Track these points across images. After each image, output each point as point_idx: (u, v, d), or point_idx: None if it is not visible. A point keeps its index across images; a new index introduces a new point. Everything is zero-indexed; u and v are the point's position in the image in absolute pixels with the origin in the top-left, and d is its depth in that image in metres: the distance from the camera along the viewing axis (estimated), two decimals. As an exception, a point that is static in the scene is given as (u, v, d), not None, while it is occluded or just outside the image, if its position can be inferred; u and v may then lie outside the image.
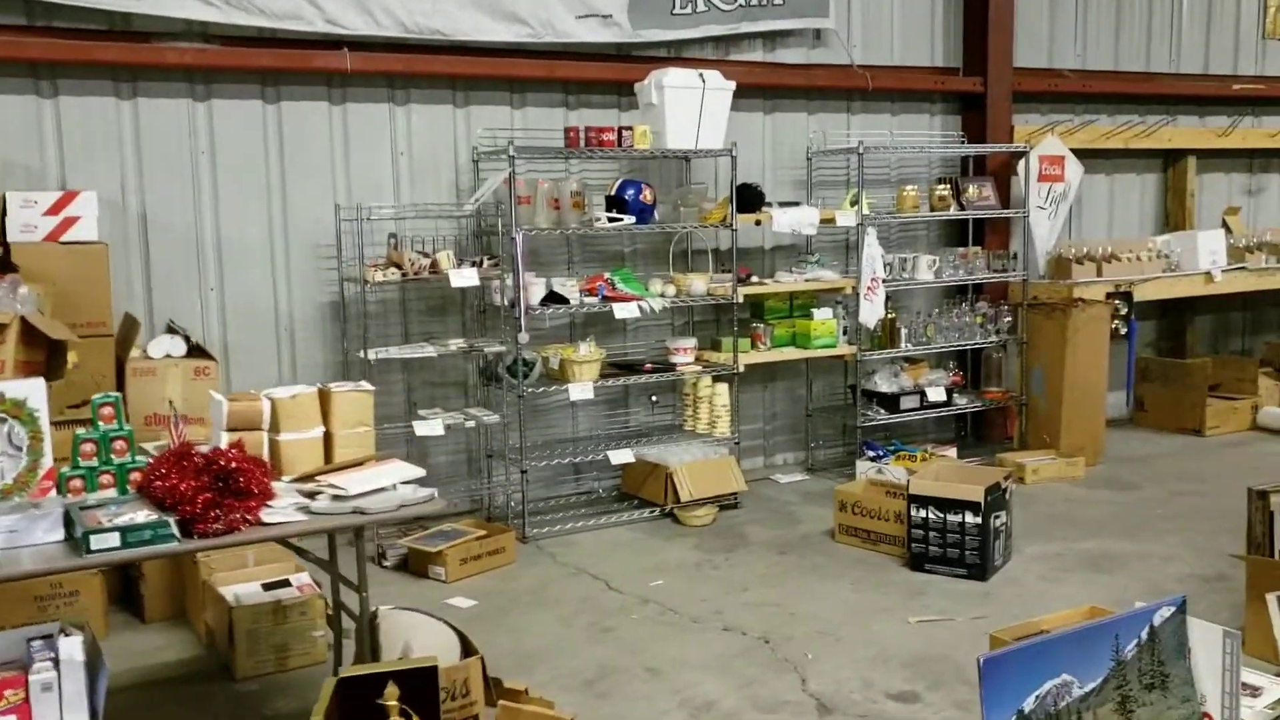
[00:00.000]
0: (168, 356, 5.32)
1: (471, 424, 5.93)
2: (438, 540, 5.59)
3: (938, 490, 5.35)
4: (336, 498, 3.52)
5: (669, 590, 5.24)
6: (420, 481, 3.73)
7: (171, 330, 5.57)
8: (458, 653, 3.93)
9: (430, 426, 5.69)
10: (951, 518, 5.30)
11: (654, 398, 7.05)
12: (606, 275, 6.44)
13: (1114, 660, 3.50)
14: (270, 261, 6.07)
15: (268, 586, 4.63)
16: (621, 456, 6.26)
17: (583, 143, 6.02)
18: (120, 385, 5.23)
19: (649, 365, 6.56)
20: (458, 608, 5.13)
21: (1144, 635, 3.56)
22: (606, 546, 5.95)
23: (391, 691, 3.36)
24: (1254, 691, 3.76)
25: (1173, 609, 3.63)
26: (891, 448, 6.87)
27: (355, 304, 6.16)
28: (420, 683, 3.48)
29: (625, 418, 7.09)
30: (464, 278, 5.65)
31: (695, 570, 5.53)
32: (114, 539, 3.13)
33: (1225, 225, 9.18)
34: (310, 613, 4.52)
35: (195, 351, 5.38)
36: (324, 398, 3.91)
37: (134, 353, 5.33)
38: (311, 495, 3.56)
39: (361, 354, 5.71)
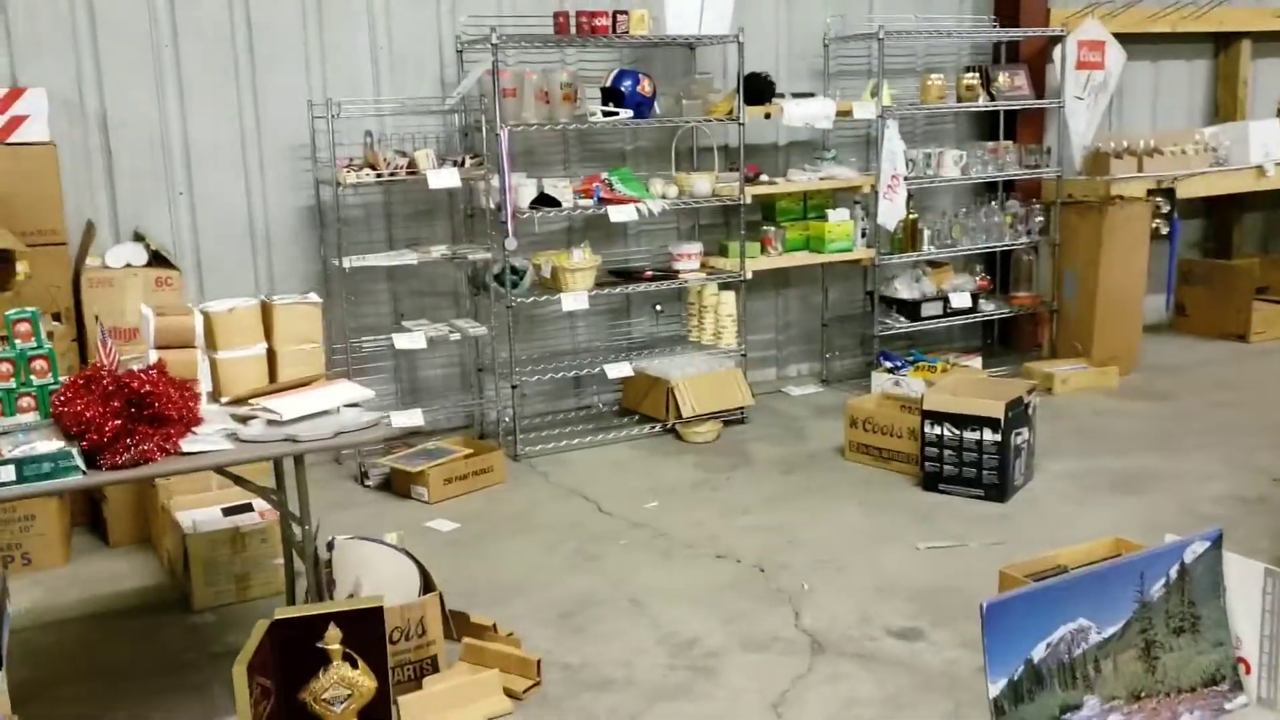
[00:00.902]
0: (128, 266, 4.99)
1: (457, 336, 5.56)
2: (421, 459, 5.27)
3: (954, 405, 4.95)
4: (271, 422, 3.16)
5: (663, 513, 4.91)
6: (370, 404, 3.36)
7: (138, 238, 5.22)
8: (418, 587, 3.60)
9: (411, 339, 5.33)
10: (969, 435, 4.90)
11: (659, 307, 6.65)
12: (604, 175, 6.01)
13: (1138, 602, 3.11)
14: (243, 163, 5.68)
15: (228, 511, 4.33)
16: (619, 370, 5.89)
17: (573, 29, 5.55)
18: (77, 297, 4.91)
19: (649, 272, 6.14)
20: (438, 531, 4.82)
21: (1173, 574, 3.17)
22: (603, 465, 5.61)
23: (333, 634, 3.05)
24: (1294, 632, 3.34)
25: (1207, 544, 3.23)
26: (910, 358, 6.44)
27: (334, 209, 5.78)
28: (367, 624, 3.16)
29: (628, 328, 6.71)
30: (443, 178, 5.24)
31: (693, 491, 5.18)
32: (8, 472, 2.80)
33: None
34: (271, 540, 4.22)
35: (157, 260, 5.03)
36: (266, 311, 3.53)
37: (91, 262, 4.99)
38: (245, 420, 3.21)
39: (337, 262, 5.32)
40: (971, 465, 4.91)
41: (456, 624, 3.73)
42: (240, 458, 3.06)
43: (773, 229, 6.46)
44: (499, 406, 5.91)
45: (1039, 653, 2.94)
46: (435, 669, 3.47)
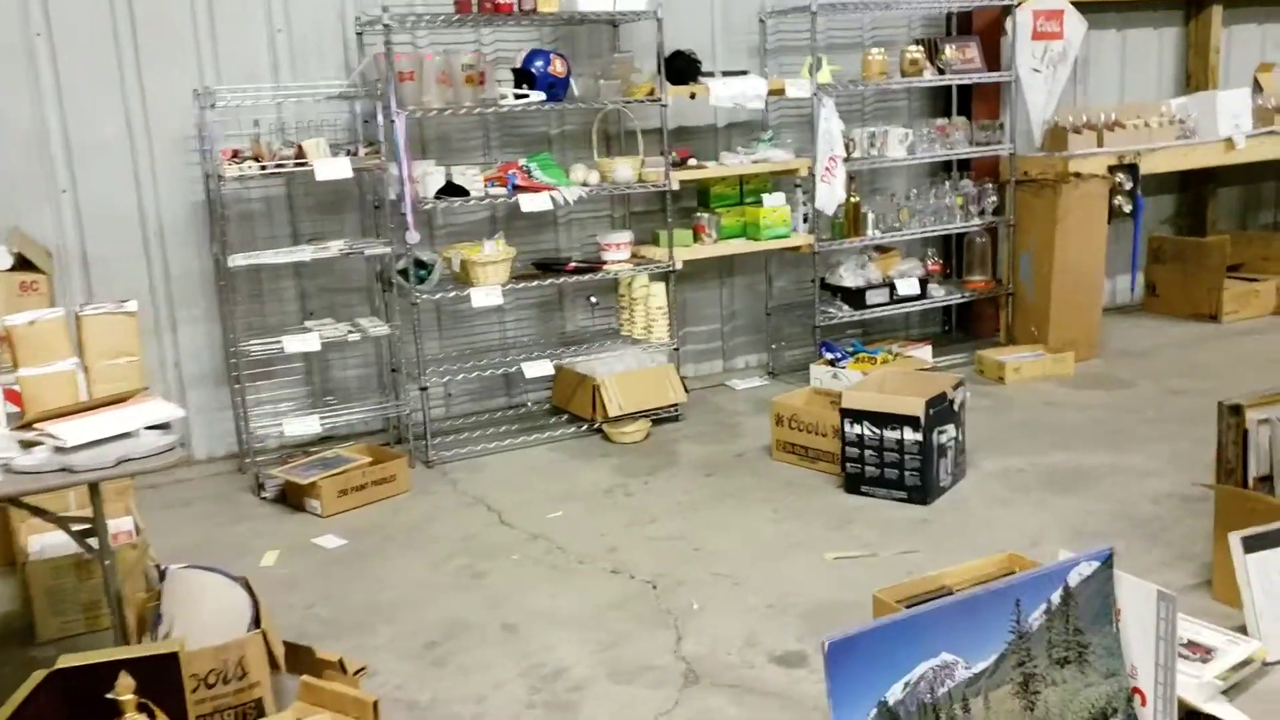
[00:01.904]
0: (-8, 270, 4.69)
1: (357, 336, 5.25)
2: (315, 470, 4.99)
3: (873, 403, 4.62)
4: (58, 449, 2.86)
5: (566, 523, 4.60)
6: (171, 424, 3.05)
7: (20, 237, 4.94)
8: (249, 622, 3.30)
9: (305, 341, 5.02)
10: (889, 434, 4.57)
11: (594, 299, 6.34)
12: (521, 162, 5.68)
13: (1014, 632, 2.79)
14: (131, 158, 5.38)
15: (78, 535, 4.01)
16: (538, 369, 5.57)
17: (475, 7, 5.22)
18: (-62, 305, 4.62)
19: (572, 264, 5.81)
20: (323, 548, 4.54)
21: (1055, 599, 2.85)
22: (519, 470, 5.30)
23: (125, 684, 2.75)
24: (1205, 655, 3.04)
25: (1096, 564, 2.90)
26: (850, 349, 6.10)
27: (231, 203, 5.50)
28: (163, 669, 2.87)
29: (561, 322, 6.39)
30: (333, 169, 4.92)
31: (605, 498, 4.87)
32: None
33: (1257, 84, 8.15)
34: (124, 565, 3.90)
35: (24, 264, 4.73)
36: (77, 323, 3.23)
37: (-45, 267, 4.70)
38: (30, 446, 2.90)
39: (221, 260, 5.03)
40: (893, 466, 4.59)
41: (298, 659, 3.43)
42: (10, 491, 2.75)
43: (706, 215, 6.12)
44: (407, 410, 5.59)
45: (895, 694, 2.63)
46: (261, 713, 3.17)
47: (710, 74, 5.97)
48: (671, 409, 5.88)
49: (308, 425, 5.10)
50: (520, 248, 6.13)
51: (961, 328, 7.33)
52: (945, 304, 6.82)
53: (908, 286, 6.38)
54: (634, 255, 5.98)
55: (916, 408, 4.48)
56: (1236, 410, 3.49)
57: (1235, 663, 3.09)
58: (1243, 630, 3.27)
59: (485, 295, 5.37)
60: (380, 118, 5.19)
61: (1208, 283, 7.38)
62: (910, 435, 4.52)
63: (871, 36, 6.89)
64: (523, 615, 3.82)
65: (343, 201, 5.72)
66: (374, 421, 5.90)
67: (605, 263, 5.83)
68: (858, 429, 4.66)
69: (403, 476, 5.09)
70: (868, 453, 4.65)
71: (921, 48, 6.35)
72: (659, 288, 5.86)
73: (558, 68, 5.45)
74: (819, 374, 5.98)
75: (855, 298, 6.35)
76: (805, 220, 6.28)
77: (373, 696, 3.14)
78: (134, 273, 5.44)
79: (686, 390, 6.03)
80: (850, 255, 6.53)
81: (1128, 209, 6.87)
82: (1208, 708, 2.95)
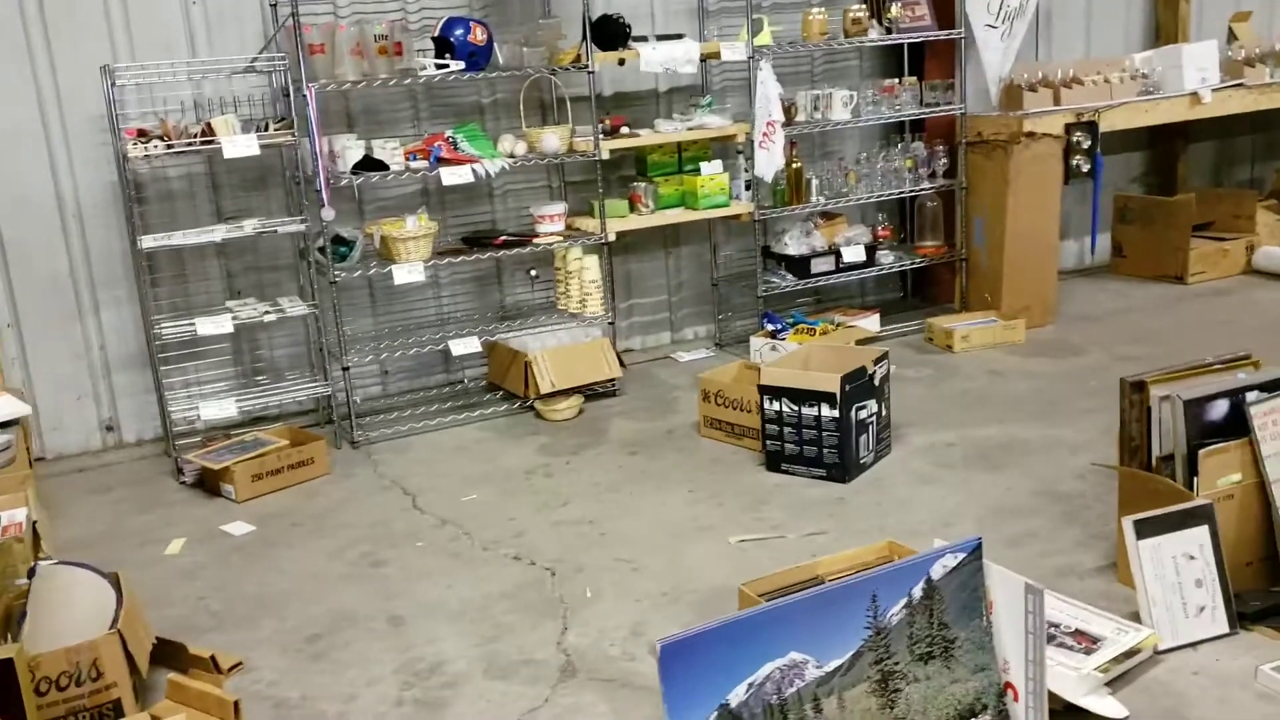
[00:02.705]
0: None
1: (273, 317, 5.14)
2: (230, 454, 4.89)
3: (790, 380, 4.49)
4: (-115, 451, 2.76)
5: (479, 507, 4.50)
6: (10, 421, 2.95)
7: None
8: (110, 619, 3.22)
9: (216, 324, 4.92)
10: (807, 411, 4.44)
11: (534, 272, 6.20)
12: (448, 133, 5.53)
13: (870, 628, 2.68)
14: (44, 138, 5.27)
15: (-42, 530, 3.94)
16: (465, 346, 5.45)
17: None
18: None
19: (502, 238, 5.68)
20: (231, 535, 4.45)
21: (917, 593, 2.73)
22: (444, 451, 5.20)
23: (-47, 691, 2.66)
24: (1092, 644, 2.91)
25: (962, 555, 2.78)
26: (790, 320, 5.95)
27: (151, 182, 5.39)
28: (4, 674, 2.79)
29: (500, 296, 6.26)
30: (240, 146, 4.79)
31: (524, 479, 4.76)
32: None
33: (1231, 34, 7.90)
34: (9, 559, 3.82)
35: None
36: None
37: None
38: None
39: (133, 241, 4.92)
40: (812, 444, 4.46)
41: (172, 656, 3.35)
42: None
43: (643, 185, 5.97)
44: (334, 391, 5.48)
45: (738, 695, 2.52)
46: (119, 713, 3.09)
47: (643, 38, 5.79)
48: (609, 384, 5.76)
49: (223, 408, 5.00)
50: (454, 221, 6.03)
51: (920, 294, 7.17)
52: (895, 271, 6.65)
53: (853, 254, 6.23)
54: (569, 227, 5.83)
55: (832, 384, 4.35)
56: (1139, 387, 3.34)
57: (1120, 653, 2.96)
58: (1138, 617, 3.14)
59: (407, 272, 5.25)
60: (290, 92, 5.04)
61: (1174, 243, 7.20)
62: (827, 412, 4.39)
63: (821, -4, 6.67)
64: (413, 606, 3.72)
65: (267, 178, 5.60)
66: (307, 402, 5.79)
67: (536, 235, 5.68)
68: (776, 406, 4.53)
69: (321, 460, 4.99)
70: (787, 430, 4.52)
71: (864, 6, 6.14)
72: (593, 260, 5.72)
73: (478, 36, 5.29)
74: (758, 346, 5.85)
75: (799, 266, 6.20)
76: (748, 188, 6.11)
77: (234, 696, 3.07)
78: (54, 255, 5.35)
79: (623, 364, 5.92)
80: (796, 222, 6.37)
81: (1086, 168, 6.67)
82: (1083, 702, 2.83)
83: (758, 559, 3.85)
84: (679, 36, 5.82)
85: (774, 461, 4.60)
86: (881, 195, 6.40)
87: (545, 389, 5.50)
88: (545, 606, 3.64)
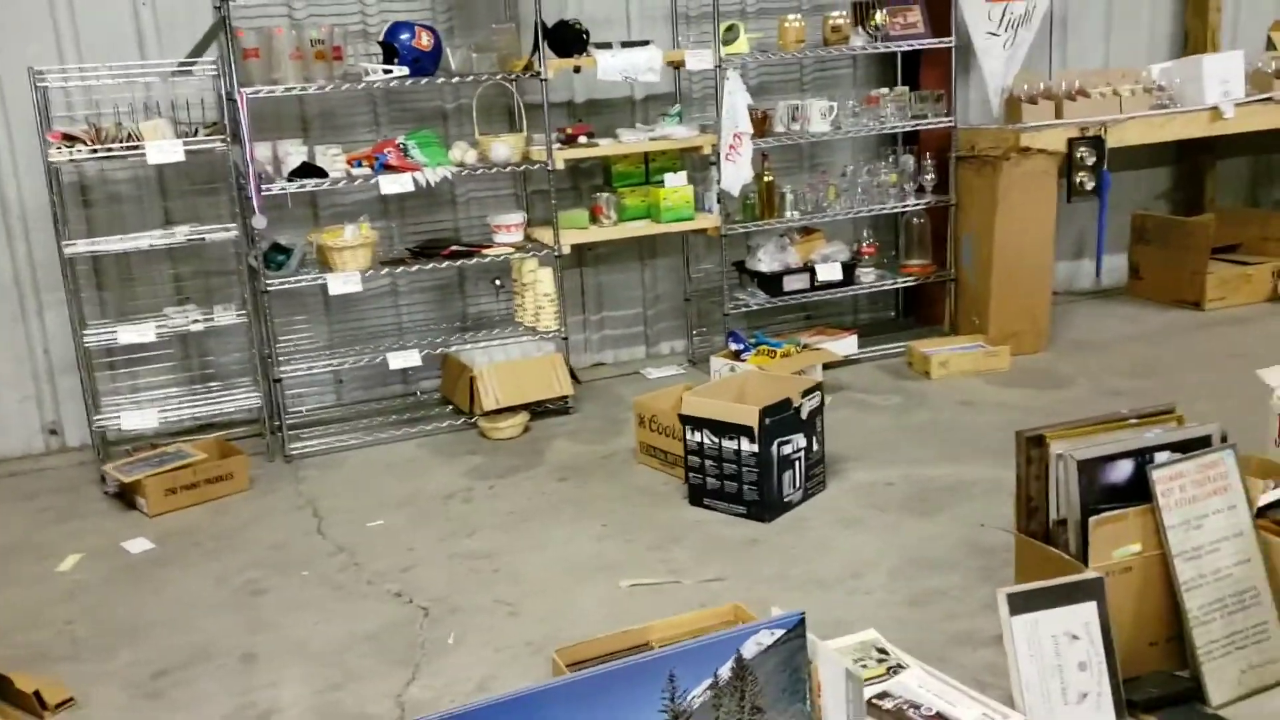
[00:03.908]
0: None
1: (200, 326, 4.99)
2: (145, 466, 4.75)
3: (709, 410, 4.22)
4: None
5: (381, 534, 4.31)
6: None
7: None
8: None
9: (138, 332, 4.78)
10: (727, 444, 4.17)
11: (498, 282, 5.99)
12: (400, 139, 5.35)
13: (667, 711, 2.41)
14: (-13, 141, 5.17)
15: None
16: (404, 359, 5.26)
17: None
18: None
19: (452, 248, 5.48)
20: (128, 552, 4.31)
21: (725, 672, 2.45)
22: (375, 469, 5.02)
23: None
24: (949, 731, 2.61)
25: (780, 632, 2.50)
26: (753, 340, 5.66)
27: (100, 185, 5.29)
28: None
29: (462, 306, 6.07)
30: (165, 152, 4.64)
31: (441, 504, 4.56)
32: None
33: (1270, 43, 7.43)
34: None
35: None
36: None
37: None
38: None
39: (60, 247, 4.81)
40: (732, 479, 4.20)
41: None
42: None
43: (605, 196, 5.73)
44: (271, 402, 5.32)
45: (501, 789, 2.27)
46: (-85, 755, 2.93)
47: (607, 45, 5.54)
48: (560, 401, 5.53)
49: (145, 418, 4.86)
50: (413, 228, 5.88)
51: (915, 314, 6.82)
52: (886, 290, 6.33)
53: (829, 271, 5.92)
54: (528, 237, 5.61)
55: (751, 417, 4.07)
56: (1038, 441, 3.03)
57: (979, 742, 2.66)
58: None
59: (343, 282, 5.07)
60: (222, 97, 4.89)
61: (1190, 265, 6.77)
62: (747, 446, 4.11)
63: (811, 1, 6.38)
64: (273, 644, 3.53)
65: (216, 183, 5.45)
66: (253, 412, 5.64)
67: (488, 246, 5.48)
68: (698, 437, 4.27)
69: (242, 475, 4.84)
70: (708, 463, 4.26)
71: (845, 13, 5.83)
72: (547, 273, 5.50)
73: (423, 41, 5.09)
74: (718, 366, 5.57)
75: (771, 283, 5.90)
76: (719, 200, 5.84)
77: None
78: (-2, 257, 5.25)
79: (577, 380, 5.69)
80: (771, 238, 6.08)
81: (1090, 186, 6.28)
82: (922, 799, 2.53)
83: (645, 606, 3.60)
84: (644, 44, 5.55)
85: (696, 496, 4.34)
86: (860, 211, 6.07)
87: (489, 406, 5.29)
88: (404, 652, 3.43)
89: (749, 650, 2.47)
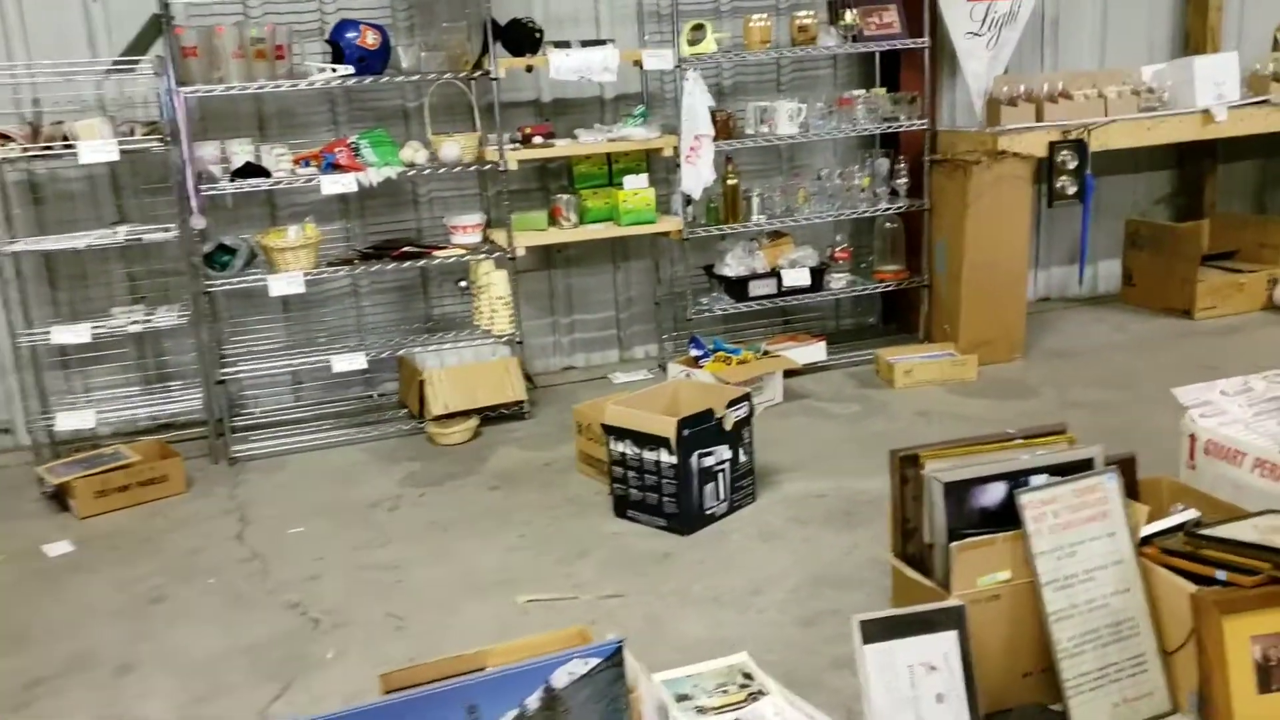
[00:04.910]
0: None
1: (138, 328, 4.97)
2: (77, 468, 4.74)
3: (629, 420, 4.11)
4: None
5: (299, 541, 4.26)
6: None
7: None
8: None
9: (73, 333, 4.77)
10: (648, 455, 4.07)
11: (463, 283, 5.91)
12: (352, 139, 5.30)
13: (466, 743, 2.31)
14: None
15: None
16: (349, 362, 5.21)
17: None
18: None
19: (404, 249, 5.42)
20: (46, 556, 4.29)
21: (533, 703, 2.36)
22: (314, 473, 4.98)
23: None
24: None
25: (595, 660, 2.40)
26: (712, 346, 5.54)
27: (50, 184, 5.29)
28: None
29: (425, 308, 6.01)
30: (98, 151, 4.62)
31: (367, 512, 4.50)
32: None
33: (1276, 44, 7.16)
34: None
35: None
36: None
37: None
38: None
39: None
40: (653, 490, 4.09)
41: None
42: None
43: (565, 197, 5.64)
44: (214, 403, 5.30)
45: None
46: None
47: (566, 44, 5.45)
48: (516, 406, 5.44)
49: (82, 419, 4.85)
50: (375, 227, 5.85)
51: (896, 320, 6.66)
52: (853, 295, 6.20)
53: (796, 277, 5.78)
54: (486, 239, 5.54)
55: (668, 428, 3.96)
56: (912, 460, 2.89)
57: (820, 778, 2.54)
58: (873, 732, 2.70)
59: (286, 283, 5.03)
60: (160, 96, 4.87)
61: (1181, 273, 6.54)
62: (666, 458, 4.00)
63: (789, 0, 6.24)
64: (155, 654, 3.49)
65: (170, 183, 5.42)
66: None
67: (440, 248, 5.41)
68: (621, 447, 4.17)
69: (178, 477, 4.81)
70: (630, 474, 4.16)
71: (813, 13, 5.69)
72: (501, 275, 5.42)
73: (369, 39, 5.03)
74: (675, 372, 5.47)
75: (736, 288, 5.78)
76: (687, 204, 5.73)
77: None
78: (-56, 255, 5.26)
79: (533, 385, 5.61)
80: (740, 241, 5.95)
81: (1072, 191, 6.10)
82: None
83: (536, 623, 3.52)
84: (602, 43, 5.45)
85: (620, 507, 4.24)
86: (830, 215, 5.92)
87: (437, 410, 5.23)
88: (280, 666, 3.36)
89: (560, 680, 2.37)
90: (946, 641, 2.68)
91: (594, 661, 2.37)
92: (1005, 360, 5.83)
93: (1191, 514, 3.04)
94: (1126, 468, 3.21)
